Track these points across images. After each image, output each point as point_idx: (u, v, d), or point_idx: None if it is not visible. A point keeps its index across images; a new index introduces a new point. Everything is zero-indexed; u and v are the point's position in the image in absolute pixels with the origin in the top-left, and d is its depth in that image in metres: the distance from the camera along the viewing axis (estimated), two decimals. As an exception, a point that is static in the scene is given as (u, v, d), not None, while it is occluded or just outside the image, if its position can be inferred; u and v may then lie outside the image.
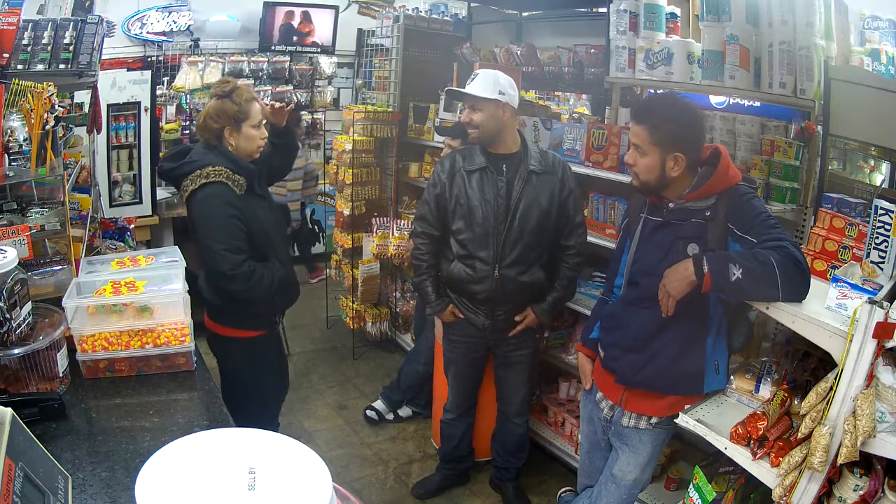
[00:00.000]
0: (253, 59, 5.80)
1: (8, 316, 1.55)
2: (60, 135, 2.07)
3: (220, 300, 2.33)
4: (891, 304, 1.48)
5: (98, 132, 3.63)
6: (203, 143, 2.36)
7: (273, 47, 5.82)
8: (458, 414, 2.99)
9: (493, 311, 2.65)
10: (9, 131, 1.88)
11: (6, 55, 2.24)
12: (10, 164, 1.86)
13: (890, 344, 1.45)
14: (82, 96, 3.40)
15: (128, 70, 4.79)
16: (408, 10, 4.52)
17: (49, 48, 2.34)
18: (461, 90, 2.55)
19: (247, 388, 2.45)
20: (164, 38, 5.30)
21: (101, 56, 2.72)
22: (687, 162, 1.89)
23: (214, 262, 2.19)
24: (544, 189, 2.55)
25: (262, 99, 2.78)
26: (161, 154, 5.15)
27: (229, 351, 2.43)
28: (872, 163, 2.62)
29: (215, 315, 2.40)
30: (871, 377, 1.48)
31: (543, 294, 2.68)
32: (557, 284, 2.68)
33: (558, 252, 2.67)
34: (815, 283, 1.71)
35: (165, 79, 5.35)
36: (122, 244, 2.99)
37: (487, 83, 2.50)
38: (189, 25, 5.37)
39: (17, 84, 1.94)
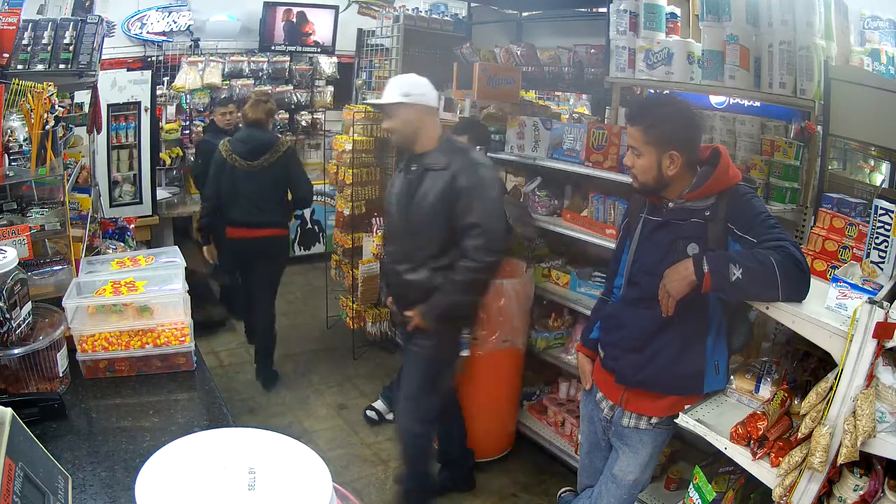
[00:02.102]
0: (253, 59, 5.80)
1: (8, 316, 1.55)
2: (60, 135, 2.07)
3: (287, 214, 4.03)
4: (891, 304, 1.48)
5: (98, 132, 3.63)
6: (257, 126, 3.78)
7: (273, 47, 5.82)
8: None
9: (395, 303, 2.73)
10: (9, 131, 1.88)
11: (6, 55, 2.24)
12: (10, 164, 1.86)
13: (890, 344, 1.45)
14: (82, 96, 3.40)
15: (128, 70, 4.80)
16: (408, 10, 4.52)
17: (49, 48, 2.34)
18: (374, 101, 2.75)
19: (284, 265, 4.18)
20: (164, 38, 5.30)
21: (101, 56, 2.72)
22: (683, 160, 1.89)
23: (311, 185, 4.02)
24: (436, 187, 2.48)
25: None
26: (166, 153, 5.20)
27: (286, 242, 4.19)
28: (872, 163, 2.63)
29: (282, 224, 3.96)
30: (871, 377, 1.48)
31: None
32: (440, 286, 2.51)
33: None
34: (815, 283, 1.71)
35: (165, 79, 5.35)
36: (122, 244, 2.99)
37: (392, 89, 2.54)
38: (189, 25, 5.37)
39: (17, 84, 1.94)
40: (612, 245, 2.57)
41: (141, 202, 4.72)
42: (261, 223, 3.80)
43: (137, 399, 1.75)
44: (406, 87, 2.51)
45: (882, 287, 1.66)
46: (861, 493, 1.52)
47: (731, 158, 1.94)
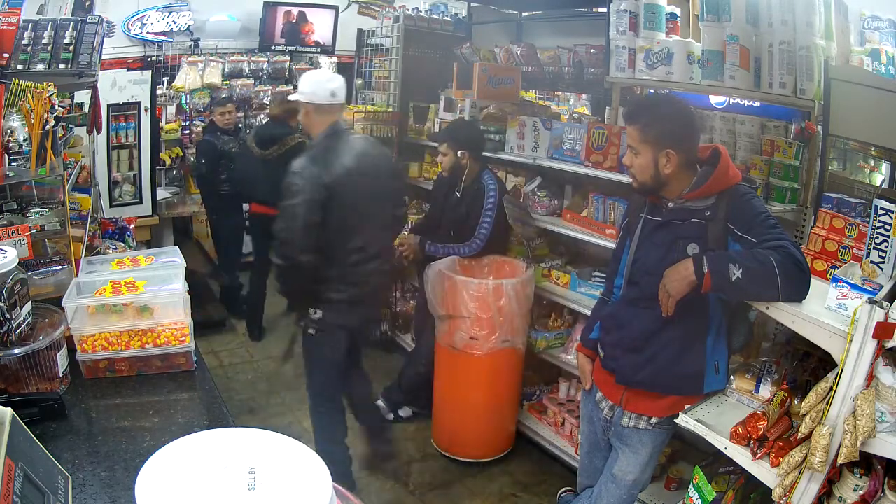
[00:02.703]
0: (253, 59, 5.80)
1: (8, 316, 1.55)
2: (60, 135, 2.07)
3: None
4: (891, 304, 1.48)
5: (98, 132, 3.63)
6: (276, 121, 4.27)
7: (273, 47, 5.81)
8: None
9: None
10: (9, 131, 1.88)
11: (6, 55, 2.24)
12: (10, 164, 1.86)
13: (890, 344, 1.45)
14: (82, 96, 3.40)
15: (128, 70, 4.80)
16: (408, 10, 4.52)
17: (49, 48, 2.34)
18: (292, 97, 2.77)
19: None
20: (164, 38, 5.30)
21: (101, 56, 2.72)
22: (680, 159, 1.89)
23: None
24: None
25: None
26: (166, 153, 5.22)
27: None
28: (872, 163, 2.63)
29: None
30: (871, 377, 1.48)
31: None
32: None
33: None
34: (815, 283, 1.71)
35: (165, 79, 5.35)
36: (122, 244, 2.99)
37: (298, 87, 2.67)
38: (189, 25, 5.37)
39: (17, 84, 1.94)
40: (612, 245, 2.57)
41: (141, 202, 4.72)
42: (276, 205, 4.20)
43: (137, 399, 1.75)
44: (301, 85, 2.63)
45: (882, 287, 1.66)
46: (861, 493, 1.52)
47: (731, 158, 1.94)
